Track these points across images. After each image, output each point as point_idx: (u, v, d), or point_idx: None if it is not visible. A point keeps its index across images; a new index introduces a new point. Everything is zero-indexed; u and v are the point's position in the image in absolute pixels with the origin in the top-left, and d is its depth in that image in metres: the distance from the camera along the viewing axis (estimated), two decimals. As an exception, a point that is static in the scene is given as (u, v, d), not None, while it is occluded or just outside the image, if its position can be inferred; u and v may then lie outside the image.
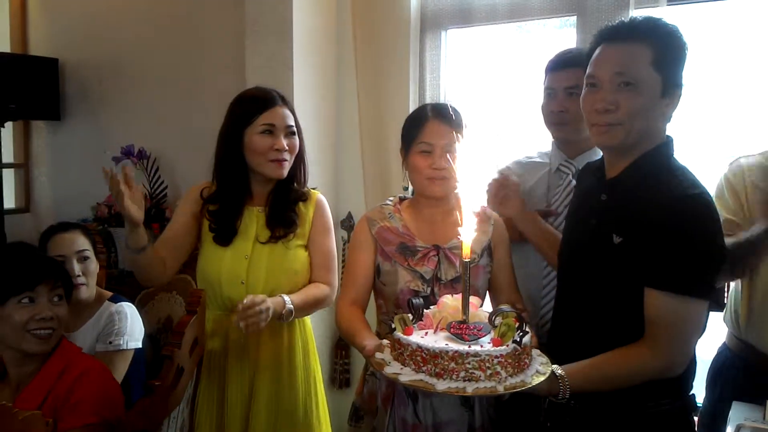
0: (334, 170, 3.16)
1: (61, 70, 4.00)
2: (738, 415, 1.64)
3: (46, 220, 3.94)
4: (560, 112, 2.01)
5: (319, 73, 3.03)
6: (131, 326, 2.28)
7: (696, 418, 1.88)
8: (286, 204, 2.09)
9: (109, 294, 2.39)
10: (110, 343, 2.22)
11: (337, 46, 3.09)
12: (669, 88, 1.48)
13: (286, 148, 2.03)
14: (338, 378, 3.16)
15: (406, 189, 1.96)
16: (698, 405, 2.45)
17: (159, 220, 3.54)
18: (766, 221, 1.75)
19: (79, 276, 2.24)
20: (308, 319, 2.18)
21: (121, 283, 3.17)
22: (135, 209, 1.85)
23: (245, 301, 1.81)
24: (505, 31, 2.88)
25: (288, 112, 2.08)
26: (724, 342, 2.05)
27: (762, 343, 1.88)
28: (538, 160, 2.19)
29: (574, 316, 1.64)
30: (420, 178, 1.83)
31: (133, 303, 2.61)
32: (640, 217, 1.46)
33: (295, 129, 2.08)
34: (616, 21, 1.56)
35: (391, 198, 1.99)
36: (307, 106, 2.89)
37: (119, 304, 2.33)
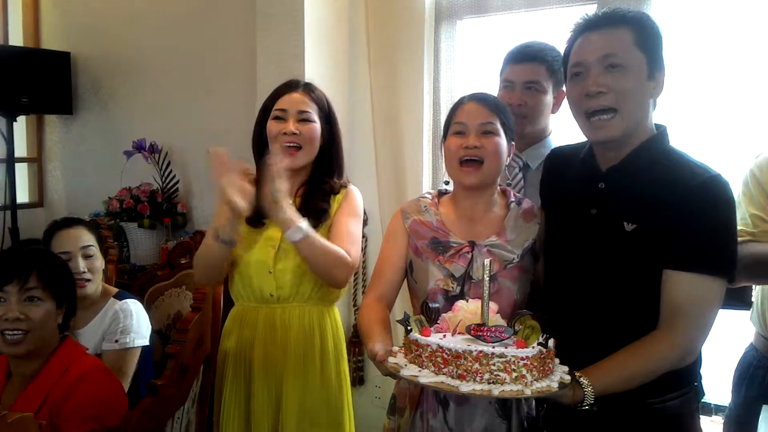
0: (346, 164, 3.08)
1: (73, 64, 3.99)
2: (769, 418, 1.57)
3: (59, 214, 3.93)
4: (519, 106, 2.04)
5: (332, 65, 2.97)
6: (137, 323, 2.24)
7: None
8: (317, 195, 2.02)
9: (115, 290, 2.35)
10: (116, 341, 2.19)
11: (349, 38, 3.04)
12: (653, 69, 1.51)
13: (294, 131, 1.96)
14: (352, 375, 3.10)
15: (447, 183, 1.88)
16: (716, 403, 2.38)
17: (170, 215, 3.51)
18: None
19: (84, 272, 2.20)
20: (340, 322, 2.12)
21: (133, 277, 3.15)
22: (242, 203, 1.77)
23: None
24: (522, 20, 2.79)
25: (305, 99, 2.01)
26: (751, 342, 1.97)
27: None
28: None
29: (583, 308, 1.58)
30: (453, 164, 1.72)
31: (143, 298, 2.59)
32: (657, 203, 1.47)
33: (310, 116, 1.99)
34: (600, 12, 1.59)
35: (430, 191, 1.90)
36: (319, 98, 2.84)
37: (124, 301, 2.29)
